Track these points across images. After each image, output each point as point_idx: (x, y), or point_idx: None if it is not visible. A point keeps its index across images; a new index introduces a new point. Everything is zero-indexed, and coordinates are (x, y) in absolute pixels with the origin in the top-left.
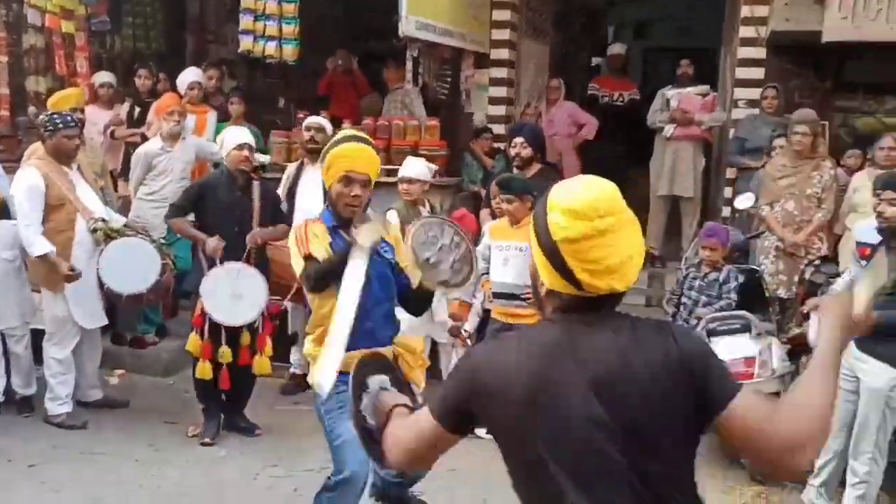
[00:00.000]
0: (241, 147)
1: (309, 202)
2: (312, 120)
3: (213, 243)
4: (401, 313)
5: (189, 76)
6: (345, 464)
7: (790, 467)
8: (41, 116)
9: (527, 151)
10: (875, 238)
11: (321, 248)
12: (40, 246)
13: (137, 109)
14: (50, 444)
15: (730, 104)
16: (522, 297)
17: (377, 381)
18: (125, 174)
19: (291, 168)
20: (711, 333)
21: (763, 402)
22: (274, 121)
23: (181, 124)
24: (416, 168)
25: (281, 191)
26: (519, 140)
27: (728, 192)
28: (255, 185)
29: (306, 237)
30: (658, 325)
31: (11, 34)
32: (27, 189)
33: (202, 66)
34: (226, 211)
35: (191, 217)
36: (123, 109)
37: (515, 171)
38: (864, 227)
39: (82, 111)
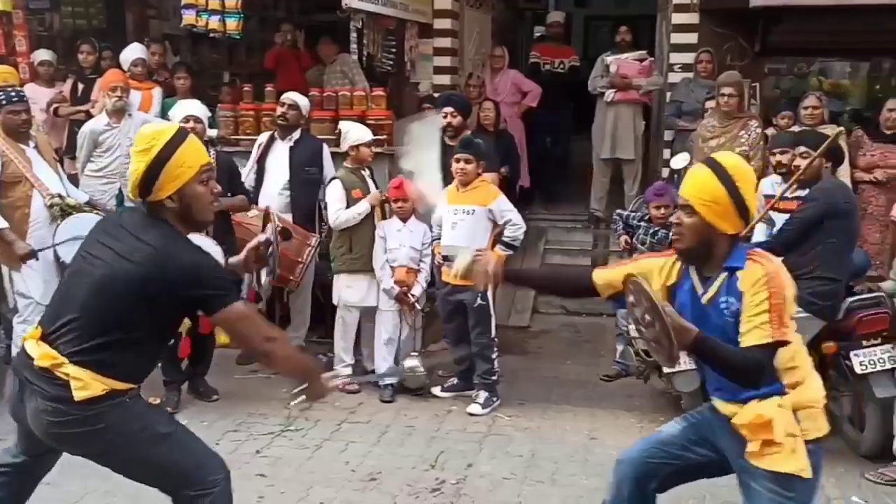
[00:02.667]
0: (185, 120)
1: (276, 178)
2: (288, 95)
3: None
4: None
5: (132, 52)
6: None
7: None
8: None
9: (457, 120)
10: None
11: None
12: None
13: (81, 86)
14: None
15: (666, 68)
16: None
17: None
18: (70, 152)
19: (262, 138)
20: None
21: None
22: (218, 95)
23: (124, 100)
24: (367, 131)
25: (250, 161)
26: (448, 110)
27: (667, 153)
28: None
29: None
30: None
31: None
32: None
33: (145, 42)
34: None
35: None
36: (66, 86)
37: (447, 140)
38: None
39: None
